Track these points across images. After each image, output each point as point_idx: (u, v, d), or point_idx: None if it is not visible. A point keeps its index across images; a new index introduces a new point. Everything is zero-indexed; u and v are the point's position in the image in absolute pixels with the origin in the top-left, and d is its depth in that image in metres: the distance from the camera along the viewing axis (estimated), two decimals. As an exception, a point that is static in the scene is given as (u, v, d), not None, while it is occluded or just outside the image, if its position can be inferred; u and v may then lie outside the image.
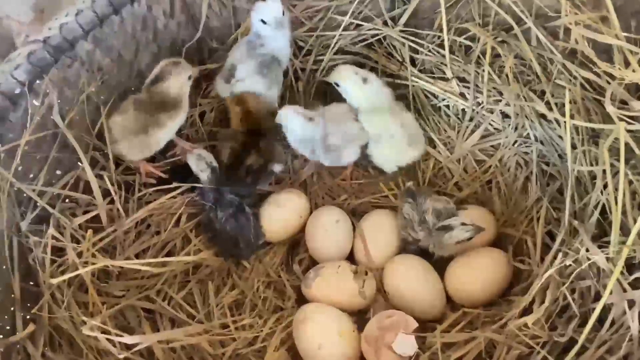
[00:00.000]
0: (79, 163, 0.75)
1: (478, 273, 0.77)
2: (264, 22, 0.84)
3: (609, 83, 0.65)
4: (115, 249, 0.75)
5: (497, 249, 0.80)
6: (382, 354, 0.69)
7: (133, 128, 0.79)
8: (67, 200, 0.75)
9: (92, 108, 0.78)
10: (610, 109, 0.60)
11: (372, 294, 0.79)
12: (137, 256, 0.77)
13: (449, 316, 0.75)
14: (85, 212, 0.74)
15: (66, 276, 0.64)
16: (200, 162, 0.82)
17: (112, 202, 0.76)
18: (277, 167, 0.86)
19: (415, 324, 0.70)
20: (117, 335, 0.59)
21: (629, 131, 0.61)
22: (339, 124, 0.85)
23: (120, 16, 0.78)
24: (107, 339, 0.59)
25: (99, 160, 0.79)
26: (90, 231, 0.70)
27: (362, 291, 0.77)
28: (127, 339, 0.58)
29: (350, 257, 0.85)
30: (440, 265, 0.80)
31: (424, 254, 0.81)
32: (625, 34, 0.68)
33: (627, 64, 0.67)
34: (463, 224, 0.76)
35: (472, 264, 0.78)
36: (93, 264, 0.66)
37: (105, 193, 0.77)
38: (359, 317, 0.77)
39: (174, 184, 0.83)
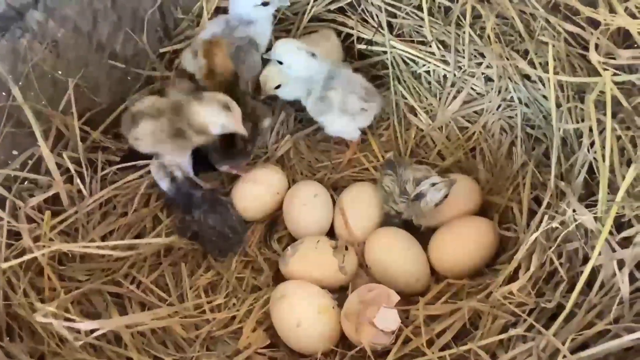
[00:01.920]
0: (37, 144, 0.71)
1: (462, 243, 0.74)
2: (265, 4, 0.79)
3: (592, 34, 0.61)
4: (78, 232, 0.71)
5: (481, 218, 0.76)
6: (363, 329, 0.65)
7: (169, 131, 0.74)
8: (25, 182, 0.71)
9: (49, 84, 0.73)
10: (594, 57, 0.56)
11: (352, 269, 0.75)
12: (103, 239, 0.73)
13: (433, 288, 0.72)
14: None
15: (18, 260, 0.59)
16: (159, 171, 0.77)
17: (71, 181, 0.71)
18: (267, 122, 0.82)
19: (398, 298, 0.66)
20: (72, 320, 0.54)
21: (615, 83, 0.57)
22: (347, 92, 0.80)
23: (74, -18, 0.73)
24: (65, 326, 0.55)
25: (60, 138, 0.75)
26: (48, 212, 0.66)
27: (343, 266, 0.74)
28: (84, 325, 0.54)
29: (331, 233, 0.81)
30: (424, 237, 0.77)
31: (408, 226, 0.78)
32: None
33: (612, 13, 0.63)
34: (433, 184, 0.72)
35: (456, 233, 0.75)
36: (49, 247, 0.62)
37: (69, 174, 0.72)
38: (340, 293, 0.74)
39: (143, 162, 0.79)
